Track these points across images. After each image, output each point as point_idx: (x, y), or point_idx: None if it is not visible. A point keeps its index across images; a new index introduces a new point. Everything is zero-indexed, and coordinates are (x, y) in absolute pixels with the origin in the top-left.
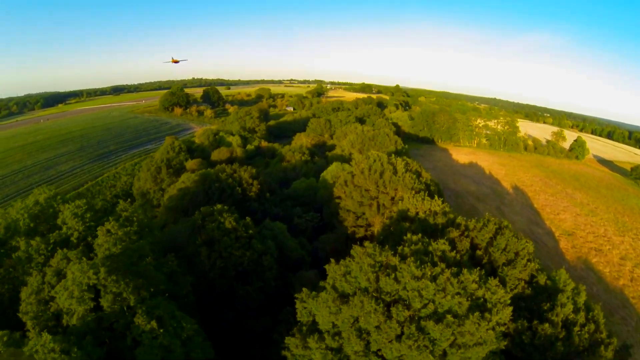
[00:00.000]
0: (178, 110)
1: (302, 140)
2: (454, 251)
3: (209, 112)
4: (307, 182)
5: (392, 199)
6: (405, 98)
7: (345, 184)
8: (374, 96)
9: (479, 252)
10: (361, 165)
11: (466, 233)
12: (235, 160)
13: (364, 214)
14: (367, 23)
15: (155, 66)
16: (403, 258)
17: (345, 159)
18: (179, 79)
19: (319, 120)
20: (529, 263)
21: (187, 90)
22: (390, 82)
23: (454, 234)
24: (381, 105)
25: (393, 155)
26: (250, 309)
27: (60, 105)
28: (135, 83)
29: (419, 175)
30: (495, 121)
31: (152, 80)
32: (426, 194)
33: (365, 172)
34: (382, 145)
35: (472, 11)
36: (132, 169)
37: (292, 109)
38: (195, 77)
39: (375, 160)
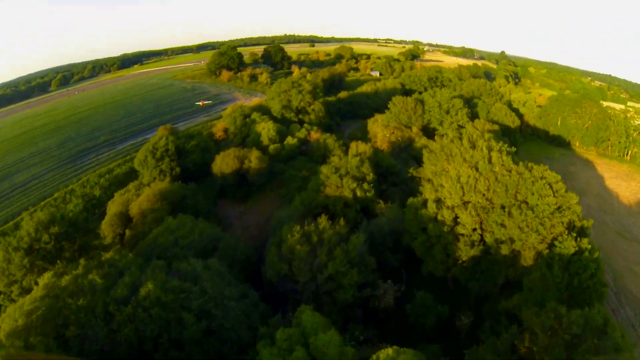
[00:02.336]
0: (226, 75)
1: (376, 131)
2: None
3: (264, 77)
4: None
5: None
6: (513, 68)
7: None
8: (479, 63)
9: None
10: None
11: None
12: (248, 174)
13: None
14: None
15: (250, 23)
16: None
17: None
18: (270, 35)
19: (405, 100)
20: None
21: (251, 50)
22: (492, 48)
23: None
24: (488, 75)
25: None
26: None
27: (136, 66)
28: (226, 39)
29: None
30: None
31: (242, 37)
32: None
33: None
34: (538, 217)
35: None
36: (97, 182)
37: (377, 74)
38: (288, 34)
39: None
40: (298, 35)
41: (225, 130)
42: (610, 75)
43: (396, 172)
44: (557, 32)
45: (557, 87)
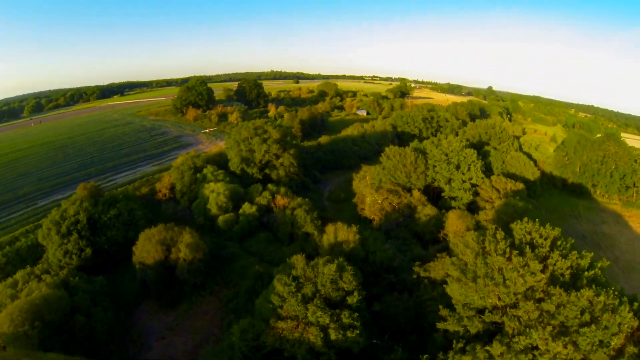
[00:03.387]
0: (192, 113)
1: (364, 193)
2: None
3: (234, 117)
4: None
5: None
6: (503, 103)
7: None
8: (474, 100)
9: None
10: None
11: None
12: (176, 268)
13: None
14: (455, 19)
15: (239, 57)
16: None
17: None
18: (256, 71)
19: (403, 152)
20: None
21: (226, 86)
22: (476, 84)
23: None
24: (483, 112)
25: None
26: None
27: (115, 96)
28: (213, 74)
29: None
30: None
31: (229, 72)
32: None
33: None
34: None
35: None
36: None
37: (365, 114)
38: (275, 70)
39: None
40: (285, 72)
41: (172, 188)
42: (592, 106)
43: (393, 266)
44: (537, 66)
45: (550, 122)
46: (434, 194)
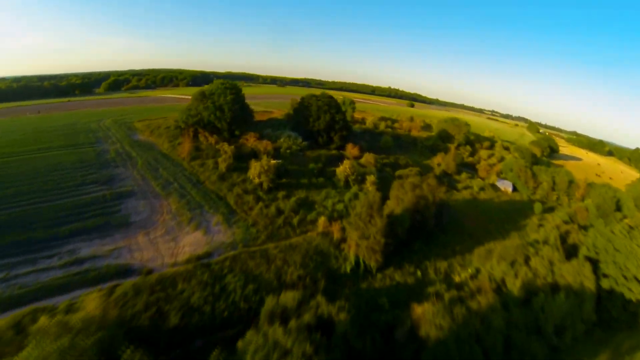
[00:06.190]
0: (187, 144)
1: None
2: None
3: (256, 170)
4: None
5: None
6: None
7: None
8: None
9: None
10: None
11: None
12: None
13: None
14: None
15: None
16: None
17: None
18: (371, 84)
19: None
20: None
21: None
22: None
23: None
24: None
25: None
26: None
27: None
28: (328, 79)
29: None
30: None
31: (344, 80)
32: None
33: None
34: None
35: None
36: None
37: (509, 188)
38: (392, 87)
39: None
40: (401, 91)
41: None
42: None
43: None
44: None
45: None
46: None
